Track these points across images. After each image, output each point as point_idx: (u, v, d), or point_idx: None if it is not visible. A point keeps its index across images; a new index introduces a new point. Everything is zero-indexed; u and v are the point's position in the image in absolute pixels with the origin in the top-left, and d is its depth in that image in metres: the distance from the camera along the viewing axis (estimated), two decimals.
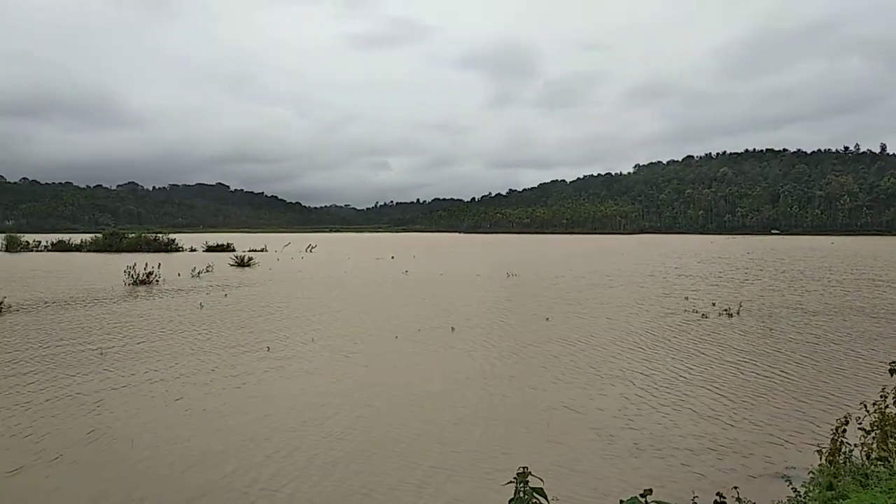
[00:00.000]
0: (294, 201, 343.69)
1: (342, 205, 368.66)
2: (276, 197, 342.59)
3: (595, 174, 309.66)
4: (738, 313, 17.13)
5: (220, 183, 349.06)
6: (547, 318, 16.41)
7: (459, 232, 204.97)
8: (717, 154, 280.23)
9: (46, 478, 6.02)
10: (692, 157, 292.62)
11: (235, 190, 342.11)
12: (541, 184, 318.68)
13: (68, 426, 7.58)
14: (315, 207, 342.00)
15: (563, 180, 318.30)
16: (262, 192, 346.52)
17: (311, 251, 55.80)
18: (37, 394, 9.01)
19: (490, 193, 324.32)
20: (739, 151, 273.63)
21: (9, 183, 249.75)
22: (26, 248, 55.06)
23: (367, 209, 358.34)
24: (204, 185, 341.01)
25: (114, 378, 9.93)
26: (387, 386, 9.62)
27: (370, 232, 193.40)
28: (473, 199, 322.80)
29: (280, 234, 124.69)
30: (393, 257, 47.15)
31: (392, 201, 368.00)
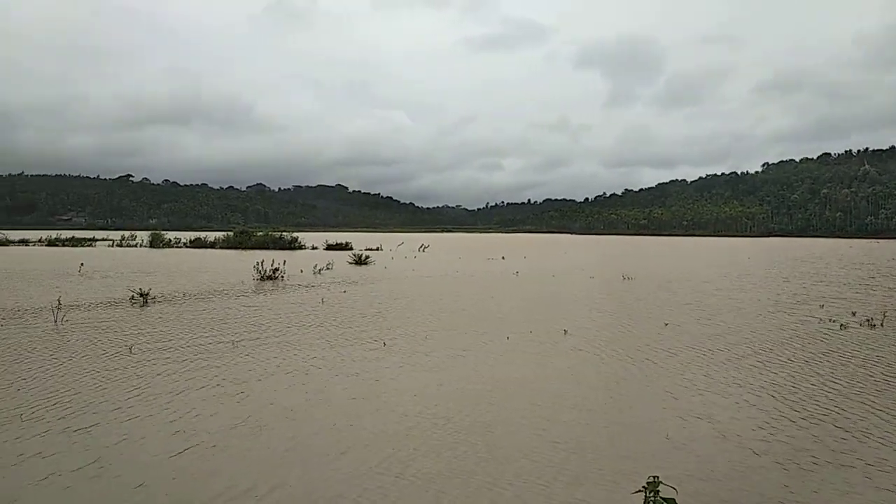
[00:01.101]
0: (407, 202, 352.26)
1: (454, 205, 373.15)
2: (391, 198, 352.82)
3: (719, 173, 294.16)
4: (881, 324, 15.59)
5: (339, 184, 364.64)
6: (665, 323, 15.73)
7: (571, 233, 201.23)
8: (858, 151, 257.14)
9: (205, 461, 6.44)
10: (829, 154, 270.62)
11: (353, 191, 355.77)
12: (659, 183, 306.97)
13: (217, 412, 8.12)
14: (427, 208, 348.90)
15: (684, 180, 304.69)
16: (378, 194, 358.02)
17: (423, 251, 56.91)
18: (189, 381, 9.74)
19: (604, 194, 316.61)
20: (884, 148, 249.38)
21: (153, 185, 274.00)
22: (168, 244, 60.19)
23: (478, 210, 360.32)
24: (325, 186, 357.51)
25: (248, 367, 10.59)
26: (502, 385, 9.60)
27: (480, 232, 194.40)
28: (587, 199, 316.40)
29: (394, 234, 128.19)
30: (503, 258, 47.09)
31: (503, 202, 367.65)
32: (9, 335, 13.20)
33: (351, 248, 53.16)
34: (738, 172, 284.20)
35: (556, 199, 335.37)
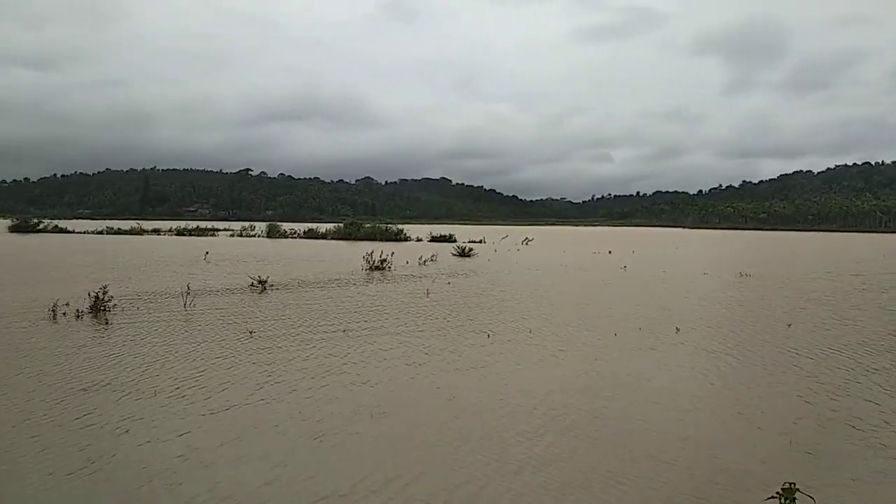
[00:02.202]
0: (511, 194, 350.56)
1: (558, 198, 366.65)
2: (494, 190, 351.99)
3: (849, 164, 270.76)
4: None
5: (443, 177, 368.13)
6: (788, 325, 14.71)
7: (683, 227, 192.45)
8: None
9: (335, 447, 6.63)
10: None
11: (457, 183, 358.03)
12: (781, 175, 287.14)
13: (338, 397, 8.40)
14: (531, 200, 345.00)
15: (809, 171, 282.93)
16: (482, 186, 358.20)
17: (526, 244, 56.51)
18: (308, 367, 10.22)
19: (720, 186, 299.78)
20: None
21: (269, 178, 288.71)
22: (283, 235, 63.47)
23: (584, 202, 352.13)
24: (429, 179, 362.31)
25: (361, 355, 10.95)
26: (611, 380, 9.36)
27: (586, 226, 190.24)
28: (700, 191, 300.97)
29: (497, 227, 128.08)
30: (610, 252, 45.84)
31: (609, 194, 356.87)
32: (149, 318, 14.41)
33: (454, 241, 53.68)
34: (873, 163, 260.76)
35: (667, 192, 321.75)
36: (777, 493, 2.22)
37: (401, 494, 5.55)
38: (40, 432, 6.87)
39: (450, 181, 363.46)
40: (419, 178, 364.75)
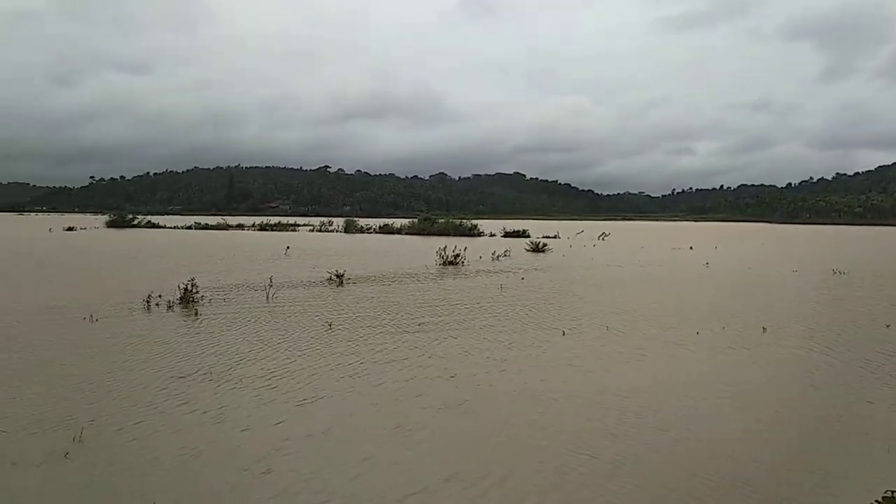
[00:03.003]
0: (586, 189, 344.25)
1: (636, 192, 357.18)
2: (569, 185, 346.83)
3: None
4: None
5: (517, 172, 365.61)
6: (887, 325, 13.79)
7: (770, 222, 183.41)
8: None
9: (418, 442, 6.71)
10: None
11: (531, 178, 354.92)
12: (879, 167, 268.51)
13: (422, 393, 8.49)
14: (607, 195, 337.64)
15: None
16: (556, 181, 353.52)
17: (603, 239, 55.39)
18: (396, 363, 10.43)
19: (811, 178, 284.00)
20: None
21: (347, 175, 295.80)
22: (360, 230, 64.79)
23: (663, 196, 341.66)
24: (503, 174, 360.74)
25: (438, 350, 11.07)
26: (698, 380, 9.06)
27: (665, 221, 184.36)
28: (789, 184, 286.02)
29: (572, 222, 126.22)
30: (691, 248, 44.29)
31: (691, 188, 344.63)
32: (235, 309, 15.06)
33: (528, 236, 53.29)
34: None
35: (752, 185, 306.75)
36: (876, 501, 2.08)
37: (492, 492, 5.52)
38: (144, 418, 7.30)
39: (524, 176, 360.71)
40: (492, 173, 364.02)
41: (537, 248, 38.26)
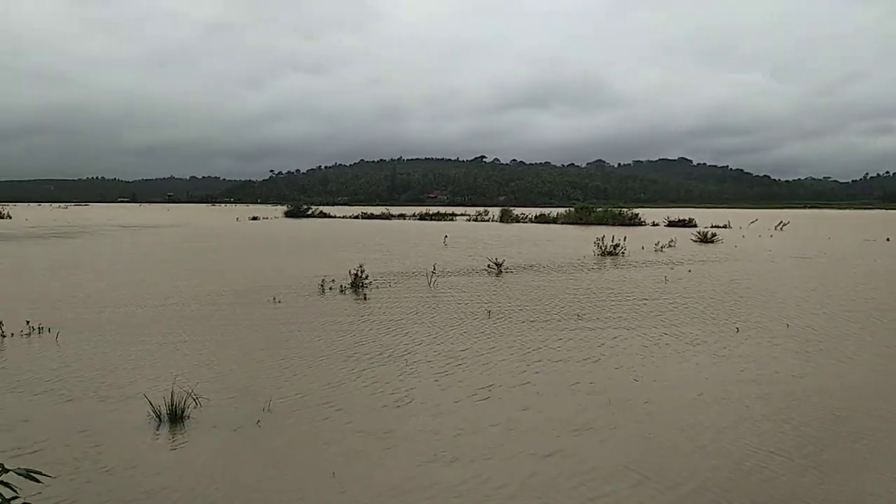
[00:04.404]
0: (761, 175, 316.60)
1: (820, 177, 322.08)
2: (741, 170, 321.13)
3: None
4: None
5: (681, 158, 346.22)
6: None
7: None
8: None
9: (600, 442, 6.48)
10: None
11: (697, 164, 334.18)
12: None
13: (599, 390, 8.36)
14: (786, 181, 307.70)
15: None
16: (727, 166, 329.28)
17: (781, 229, 50.77)
18: (563, 353, 10.42)
19: None
20: None
21: (502, 164, 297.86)
22: (515, 219, 65.03)
23: (853, 182, 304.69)
24: (666, 160, 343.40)
25: (597, 341, 10.85)
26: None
27: (856, 209, 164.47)
28: None
29: (744, 210, 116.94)
30: (888, 239, 39.21)
31: (888, 171, 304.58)
32: (400, 294, 15.83)
33: (695, 225, 50.22)
34: None
35: None
36: None
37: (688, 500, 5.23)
38: (327, 393, 7.92)
39: (690, 161, 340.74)
40: (655, 159, 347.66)
41: (705, 239, 35.95)
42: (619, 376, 8.66)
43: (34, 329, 11.00)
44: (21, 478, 1.96)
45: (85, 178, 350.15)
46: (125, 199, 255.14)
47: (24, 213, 79.79)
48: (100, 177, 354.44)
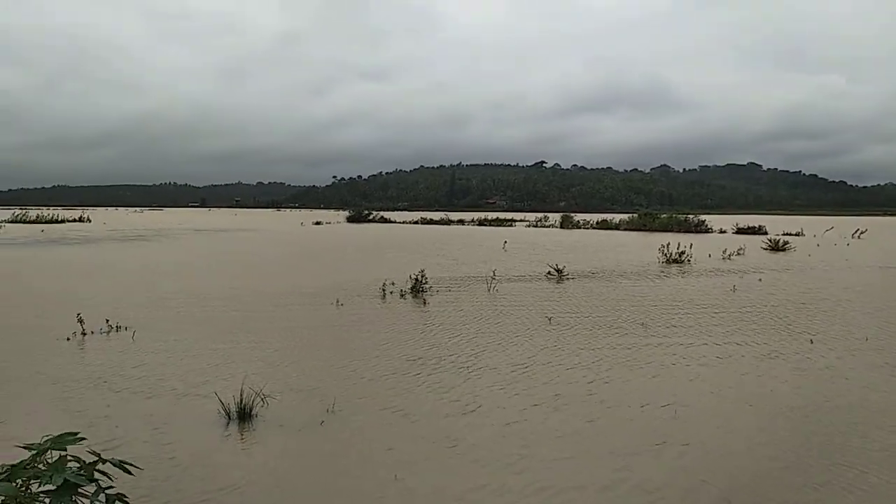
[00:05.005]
0: (837, 180, 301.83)
1: None
2: (815, 176, 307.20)
3: None
4: None
5: (751, 162, 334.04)
6: None
7: None
8: None
9: (676, 457, 6.44)
10: None
11: (768, 169, 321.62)
12: None
13: (668, 400, 8.23)
14: (863, 187, 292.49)
15: None
16: (800, 171, 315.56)
17: (858, 237, 48.26)
18: (610, 359, 10.24)
19: None
20: None
21: (562, 169, 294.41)
22: (576, 225, 64.17)
23: None
24: (734, 165, 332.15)
25: (666, 351, 10.56)
26: None
27: None
28: None
29: (818, 217, 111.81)
30: None
31: None
32: (460, 299, 15.84)
33: (765, 233, 48.38)
34: None
35: None
36: None
37: None
38: (389, 395, 8.01)
39: (759, 166, 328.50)
40: (722, 164, 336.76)
41: (777, 247, 34.55)
42: (693, 389, 8.37)
43: (113, 327, 11.55)
44: (115, 469, 2.09)
45: (159, 183, 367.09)
46: (195, 204, 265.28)
47: (102, 217, 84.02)
48: (172, 182, 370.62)
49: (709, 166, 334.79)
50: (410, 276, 16.82)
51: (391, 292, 16.40)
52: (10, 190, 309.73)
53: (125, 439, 6.44)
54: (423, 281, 16.79)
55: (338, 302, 14.94)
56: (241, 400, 7.10)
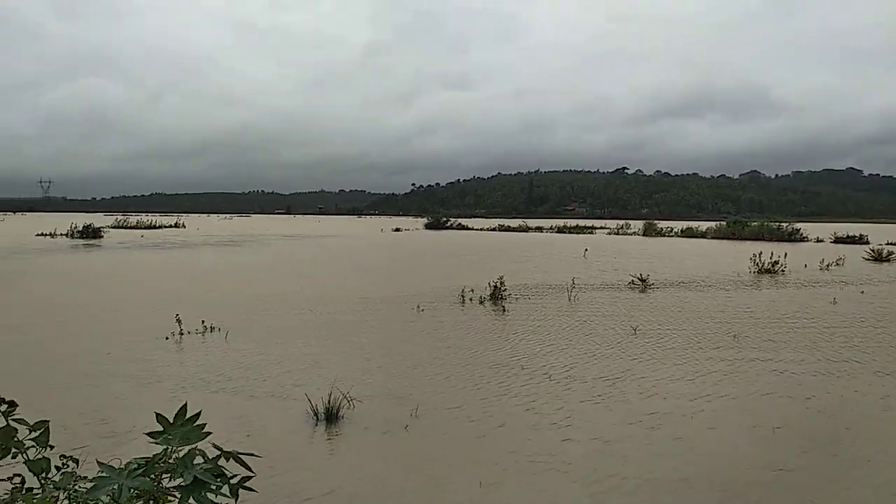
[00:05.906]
0: None
1: None
2: None
3: None
4: None
5: (850, 168, 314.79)
6: None
7: None
8: None
9: (777, 476, 6.31)
10: None
11: (870, 175, 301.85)
12: None
13: (782, 424, 7.87)
14: None
15: None
16: None
17: None
18: (717, 377, 9.86)
19: None
20: None
21: (645, 176, 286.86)
22: (660, 233, 62.24)
23: None
24: (830, 170, 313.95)
25: (770, 368, 10.05)
26: None
27: None
28: None
29: None
30: None
31: None
32: (539, 307, 15.69)
33: (867, 242, 45.28)
34: None
35: None
36: None
37: None
38: (472, 400, 8.02)
39: (859, 172, 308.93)
40: (817, 169, 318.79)
41: (880, 257, 32.30)
42: (804, 410, 7.82)
43: (208, 328, 12.12)
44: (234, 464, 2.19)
45: (247, 191, 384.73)
46: (281, 211, 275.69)
47: (195, 223, 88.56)
48: (260, 190, 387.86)
49: (802, 172, 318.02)
50: (489, 283, 16.79)
51: (470, 299, 16.41)
52: (112, 197, 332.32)
53: (222, 438, 6.71)
54: (502, 288, 16.71)
55: (418, 307, 15.09)
56: (330, 402, 7.27)
